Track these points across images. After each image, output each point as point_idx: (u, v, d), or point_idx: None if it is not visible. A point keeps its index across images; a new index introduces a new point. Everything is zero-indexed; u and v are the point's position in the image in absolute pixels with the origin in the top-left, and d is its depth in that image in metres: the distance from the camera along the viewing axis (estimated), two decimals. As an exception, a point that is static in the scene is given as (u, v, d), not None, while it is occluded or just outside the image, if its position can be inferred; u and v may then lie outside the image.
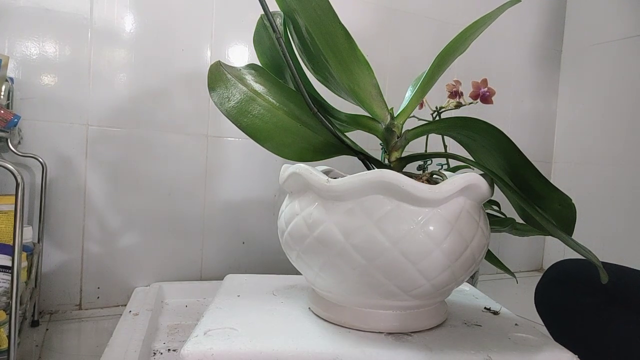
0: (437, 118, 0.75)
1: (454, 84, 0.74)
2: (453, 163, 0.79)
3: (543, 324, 0.58)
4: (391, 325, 0.42)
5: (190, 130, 0.90)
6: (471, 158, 0.48)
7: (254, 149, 0.95)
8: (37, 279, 0.75)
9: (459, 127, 0.46)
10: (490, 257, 0.66)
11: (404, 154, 0.49)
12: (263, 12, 0.48)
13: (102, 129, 0.83)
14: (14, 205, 0.49)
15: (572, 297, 0.54)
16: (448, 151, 0.44)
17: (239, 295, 0.50)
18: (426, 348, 0.40)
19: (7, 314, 0.52)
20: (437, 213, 0.38)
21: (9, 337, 0.51)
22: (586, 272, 0.55)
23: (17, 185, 0.49)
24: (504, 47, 1.27)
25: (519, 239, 1.27)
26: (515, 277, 0.68)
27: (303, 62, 0.52)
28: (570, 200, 0.44)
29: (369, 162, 0.50)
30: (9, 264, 0.55)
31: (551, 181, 0.44)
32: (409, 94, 0.54)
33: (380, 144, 0.90)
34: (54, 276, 0.81)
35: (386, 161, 0.50)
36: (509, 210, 0.54)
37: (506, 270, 0.67)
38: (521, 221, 0.51)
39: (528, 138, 1.33)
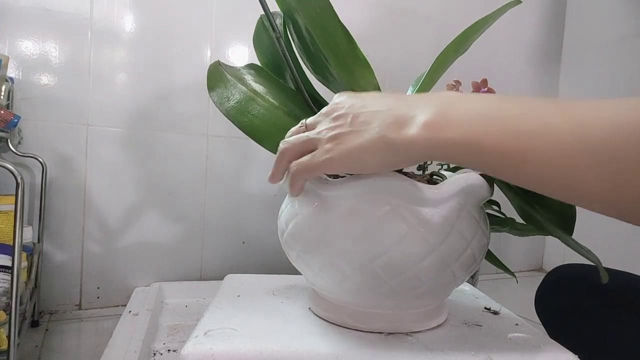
0: (437, 118, 0.75)
1: (454, 84, 0.73)
2: (453, 163, 0.79)
3: (543, 326, 0.58)
4: (391, 325, 0.42)
5: (190, 130, 0.90)
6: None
7: (254, 149, 0.95)
8: (37, 279, 0.75)
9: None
10: (490, 257, 0.66)
11: (404, 154, 0.49)
12: (263, 12, 0.48)
13: (102, 129, 0.83)
14: (14, 205, 0.49)
15: (572, 300, 0.55)
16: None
17: (239, 295, 0.50)
18: (426, 348, 0.39)
19: (7, 314, 0.52)
20: (437, 213, 0.38)
21: (8, 337, 0.51)
22: (586, 276, 0.55)
23: (17, 185, 0.49)
24: (504, 47, 1.27)
25: (519, 239, 1.27)
26: (515, 277, 0.68)
27: (303, 61, 0.52)
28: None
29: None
30: (9, 264, 0.55)
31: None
32: (409, 94, 0.54)
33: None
34: (54, 276, 0.81)
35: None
36: (509, 210, 0.54)
37: (506, 270, 0.66)
38: (521, 221, 0.51)
39: (528, 138, 1.32)
